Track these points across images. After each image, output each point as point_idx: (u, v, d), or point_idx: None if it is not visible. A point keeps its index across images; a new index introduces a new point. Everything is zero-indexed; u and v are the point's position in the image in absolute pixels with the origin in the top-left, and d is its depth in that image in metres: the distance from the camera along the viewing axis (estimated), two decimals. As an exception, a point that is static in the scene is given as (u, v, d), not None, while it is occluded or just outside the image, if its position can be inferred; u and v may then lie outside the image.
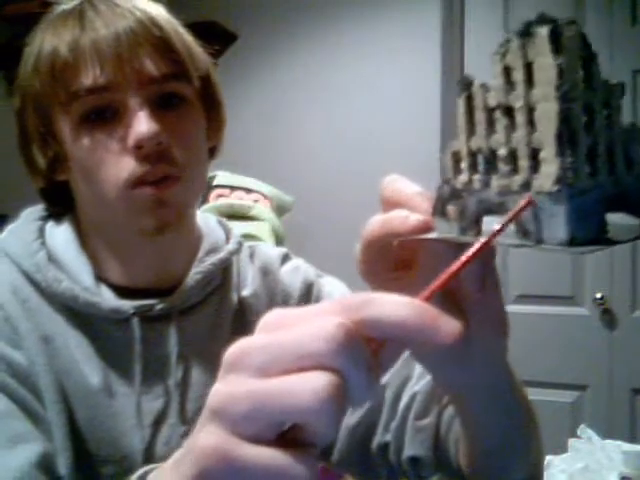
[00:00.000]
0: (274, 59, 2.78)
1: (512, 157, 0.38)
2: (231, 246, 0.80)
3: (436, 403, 0.73)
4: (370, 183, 3.05)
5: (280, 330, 0.33)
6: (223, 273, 0.80)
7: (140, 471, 0.42)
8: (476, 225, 0.40)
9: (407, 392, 0.75)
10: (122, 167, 0.67)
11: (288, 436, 0.32)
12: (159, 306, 0.73)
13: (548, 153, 0.35)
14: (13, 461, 0.59)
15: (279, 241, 2.09)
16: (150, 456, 0.70)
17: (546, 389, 2.44)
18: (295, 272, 0.85)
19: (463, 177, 0.41)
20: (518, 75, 0.37)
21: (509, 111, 0.38)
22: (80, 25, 0.67)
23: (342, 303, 0.33)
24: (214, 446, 0.32)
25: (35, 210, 0.78)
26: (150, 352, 0.72)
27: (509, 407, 0.58)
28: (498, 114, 0.39)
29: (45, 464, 0.62)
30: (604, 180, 0.36)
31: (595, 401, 2.40)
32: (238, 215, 2.01)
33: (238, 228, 0.88)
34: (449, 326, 0.33)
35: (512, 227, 0.37)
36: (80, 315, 0.71)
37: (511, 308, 2.50)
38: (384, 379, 0.76)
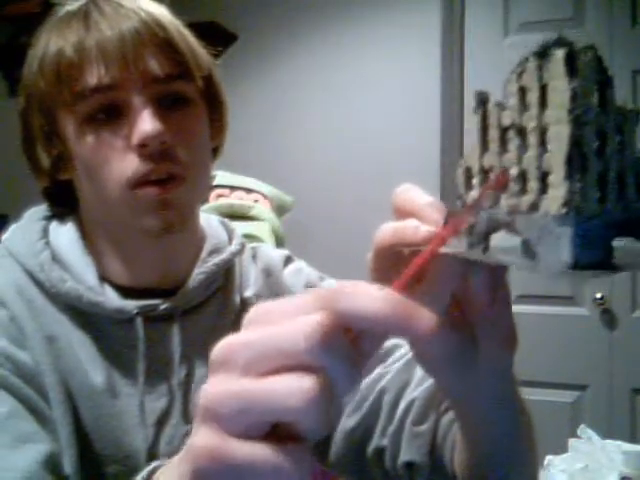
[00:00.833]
0: (274, 59, 2.78)
1: (522, 177, 0.38)
2: (234, 247, 0.80)
3: (434, 409, 0.73)
4: (370, 183, 3.06)
5: (264, 326, 0.33)
6: (226, 274, 0.80)
7: (149, 467, 0.43)
8: (484, 241, 0.40)
9: (405, 398, 0.75)
10: (126, 165, 0.67)
11: (278, 431, 0.33)
12: (163, 306, 0.73)
13: (557, 176, 0.35)
14: (20, 461, 0.59)
15: (279, 241, 2.08)
16: (153, 455, 0.70)
17: (546, 389, 2.44)
18: (298, 274, 0.85)
19: (474, 193, 0.41)
20: (533, 96, 0.37)
21: (522, 131, 0.38)
22: (85, 26, 0.67)
23: (319, 296, 0.34)
24: (205, 445, 0.33)
25: (39, 210, 0.78)
26: (153, 352, 0.72)
27: (511, 419, 0.58)
28: (511, 133, 0.39)
29: (52, 463, 0.62)
30: (613, 206, 0.36)
31: (595, 401, 2.40)
32: (238, 215, 2.01)
33: (238, 228, 0.88)
34: (424, 319, 0.33)
35: (518, 247, 0.37)
36: (84, 315, 0.71)
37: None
38: (382, 383, 0.76)
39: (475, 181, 0.41)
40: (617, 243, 0.37)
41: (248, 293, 0.81)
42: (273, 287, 0.83)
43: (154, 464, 0.43)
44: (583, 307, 2.43)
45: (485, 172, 0.41)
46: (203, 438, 0.33)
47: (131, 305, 0.72)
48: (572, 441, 1.09)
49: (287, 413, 0.31)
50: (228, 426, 0.32)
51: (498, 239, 0.39)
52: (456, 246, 0.42)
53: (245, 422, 0.32)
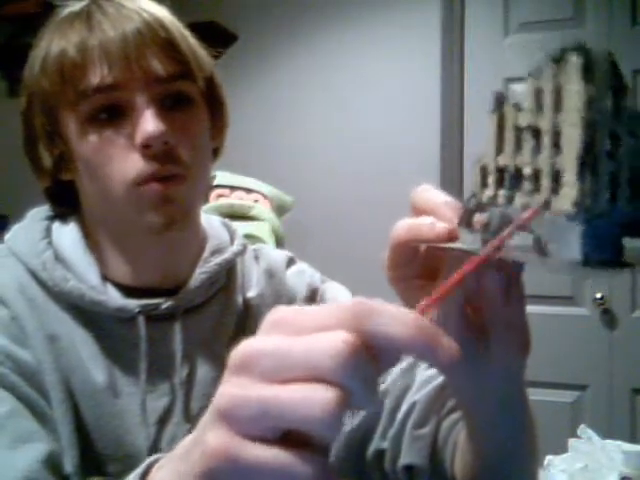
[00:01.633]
0: (274, 59, 2.78)
1: (535, 177, 0.39)
2: (236, 247, 0.80)
3: (435, 413, 0.73)
4: (370, 183, 3.06)
5: (288, 334, 0.33)
6: (227, 274, 0.80)
7: (146, 462, 0.43)
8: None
9: (407, 401, 0.75)
10: (129, 165, 0.67)
11: (291, 436, 0.33)
12: (164, 305, 0.73)
13: (569, 177, 0.36)
14: (21, 460, 0.59)
15: (279, 241, 2.08)
16: (155, 454, 0.71)
17: (546, 389, 2.44)
18: (300, 276, 0.86)
19: (489, 192, 0.43)
20: (548, 99, 0.38)
21: (537, 133, 0.39)
22: (88, 26, 0.68)
23: (345, 311, 0.33)
24: (221, 447, 0.33)
25: (41, 210, 0.78)
26: (155, 351, 0.72)
27: (518, 424, 0.58)
28: (527, 134, 0.40)
29: (52, 463, 0.62)
30: (624, 205, 0.37)
31: (595, 401, 2.40)
32: (238, 215, 2.01)
33: (238, 228, 0.88)
34: (448, 350, 0.33)
35: (531, 245, 0.38)
36: (86, 314, 0.71)
37: (511, 308, 2.50)
38: (383, 386, 0.77)
39: (490, 180, 0.43)
40: (629, 241, 0.37)
41: (251, 294, 0.82)
42: (276, 288, 0.83)
43: (151, 459, 0.43)
44: (583, 307, 2.43)
45: (500, 171, 0.42)
46: (217, 438, 0.33)
47: (133, 304, 0.72)
48: (572, 441, 1.09)
49: (304, 422, 0.32)
50: (243, 429, 0.32)
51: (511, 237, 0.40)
52: (471, 242, 0.42)
53: (261, 427, 0.32)
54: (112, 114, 0.68)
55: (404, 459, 0.73)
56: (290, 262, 0.87)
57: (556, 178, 0.37)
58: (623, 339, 2.38)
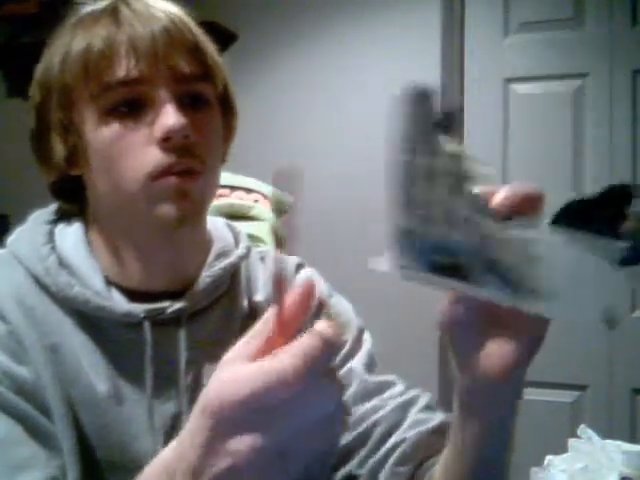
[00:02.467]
0: (274, 59, 2.78)
1: None
2: (240, 251, 0.80)
3: (419, 456, 0.74)
4: (370, 183, 3.06)
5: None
6: (231, 277, 0.80)
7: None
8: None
9: (396, 435, 0.76)
10: (147, 158, 0.68)
11: None
12: (170, 309, 0.73)
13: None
14: None
15: (279, 241, 2.09)
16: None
17: (546, 389, 2.43)
18: None
19: None
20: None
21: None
22: (115, 22, 0.69)
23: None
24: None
25: (43, 213, 0.78)
26: (160, 356, 0.72)
27: (508, 445, 0.62)
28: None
29: None
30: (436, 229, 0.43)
31: (595, 401, 2.40)
32: (238, 215, 2.01)
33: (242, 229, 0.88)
34: None
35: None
36: (90, 319, 0.71)
37: (511, 308, 2.50)
38: (377, 416, 0.78)
39: None
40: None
41: (258, 297, 0.81)
42: None
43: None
44: (583, 307, 2.43)
45: None
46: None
47: (139, 309, 0.71)
48: (572, 441, 1.09)
49: None
50: None
51: None
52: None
53: None
54: (132, 107, 0.68)
55: None
56: (299, 267, 0.87)
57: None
58: (623, 339, 2.38)
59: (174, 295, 0.74)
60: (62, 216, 0.78)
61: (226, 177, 2.19)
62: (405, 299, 2.58)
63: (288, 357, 0.40)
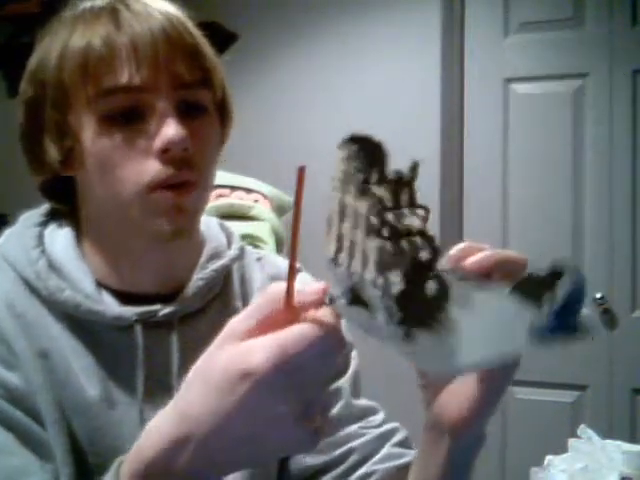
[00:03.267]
0: (274, 59, 2.78)
1: None
2: (233, 252, 0.80)
3: None
4: (370, 183, 2.95)
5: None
6: (224, 279, 0.79)
7: (115, 462, 0.47)
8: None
9: (367, 466, 0.78)
10: (145, 169, 0.67)
11: None
12: (162, 312, 0.72)
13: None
14: None
15: (279, 241, 2.08)
16: None
17: (546, 389, 2.44)
18: None
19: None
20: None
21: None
22: (115, 22, 0.67)
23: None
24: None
25: (33, 215, 0.77)
26: (152, 359, 0.71)
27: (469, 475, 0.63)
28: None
29: None
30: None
31: (595, 401, 2.40)
32: (238, 215, 2.00)
33: (238, 228, 0.87)
34: None
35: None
36: (81, 323, 0.70)
37: (511, 308, 2.49)
38: (354, 443, 0.79)
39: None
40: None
41: (254, 300, 0.81)
42: None
43: (118, 459, 0.48)
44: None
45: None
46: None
47: (130, 312, 0.71)
48: (572, 441, 1.09)
49: None
50: None
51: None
52: None
53: None
54: (132, 115, 0.67)
55: None
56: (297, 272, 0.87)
57: None
58: (623, 339, 2.38)
59: (166, 297, 0.74)
60: (52, 217, 0.77)
61: (226, 177, 2.19)
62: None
63: (304, 325, 0.44)
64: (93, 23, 0.68)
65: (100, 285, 0.73)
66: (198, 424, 0.45)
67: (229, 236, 0.83)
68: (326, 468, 0.78)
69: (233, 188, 2.13)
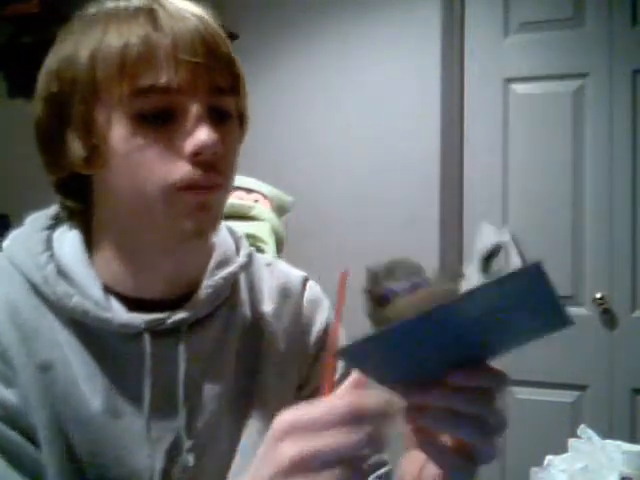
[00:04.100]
0: (274, 59, 2.78)
1: None
2: (242, 259, 0.79)
3: None
4: (370, 183, 3.06)
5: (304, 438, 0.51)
6: (233, 285, 0.79)
7: None
8: None
9: None
10: (174, 170, 0.67)
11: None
12: (170, 319, 0.71)
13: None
14: None
15: (279, 241, 2.08)
16: (155, 472, 0.70)
17: (546, 389, 2.44)
18: (318, 307, 0.85)
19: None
20: None
21: None
22: (153, 23, 0.66)
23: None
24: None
25: (40, 217, 0.76)
26: (158, 367, 0.71)
27: None
28: None
29: None
30: None
31: (595, 401, 2.40)
32: (238, 215, 2.01)
33: (238, 228, 0.87)
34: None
35: None
36: (88, 330, 0.70)
37: (511, 308, 2.50)
38: None
39: None
40: None
41: (265, 308, 0.81)
42: (292, 312, 0.83)
43: None
44: (583, 307, 2.43)
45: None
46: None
47: (138, 320, 0.70)
48: (572, 441, 1.09)
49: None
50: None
51: None
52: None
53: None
54: (165, 115, 0.67)
55: None
56: (305, 283, 0.86)
57: None
58: (623, 339, 2.38)
59: (173, 302, 0.73)
60: (60, 220, 0.77)
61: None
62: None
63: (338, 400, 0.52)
64: (130, 22, 0.67)
65: (108, 291, 0.72)
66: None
67: (237, 241, 0.83)
68: None
69: (233, 188, 2.14)
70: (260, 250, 1.95)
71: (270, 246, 2.02)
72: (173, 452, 0.71)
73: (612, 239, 2.40)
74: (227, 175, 0.71)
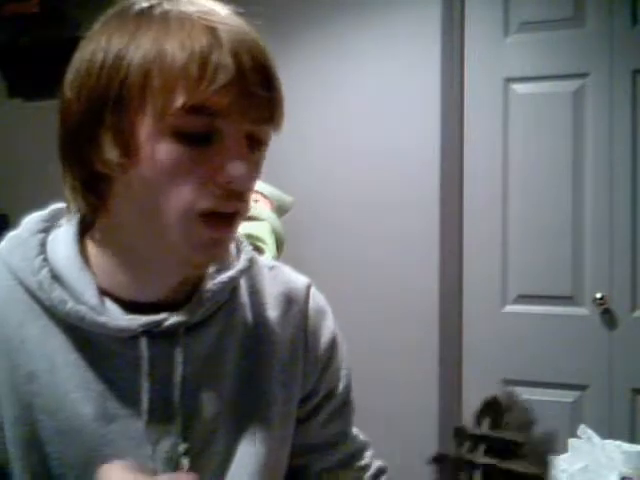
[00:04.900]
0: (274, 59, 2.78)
1: None
2: (241, 264, 0.78)
3: None
4: (369, 183, 3.06)
5: None
6: (233, 288, 0.78)
7: None
8: None
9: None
10: (202, 194, 0.65)
11: None
12: (167, 322, 0.70)
13: None
14: None
15: (279, 241, 2.08)
16: (157, 473, 0.70)
17: (546, 389, 2.44)
18: (323, 319, 0.84)
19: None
20: None
21: None
22: (214, 38, 0.63)
23: None
24: None
25: (35, 220, 0.75)
26: (154, 370, 0.70)
27: None
28: None
29: None
30: None
31: (595, 401, 2.40)
32: (238, 215, 2.00)
33: (241, 234, 0.86)
34: None
35: None
36: (84, 335, 0.69)
37: (511, 308, 2.50)
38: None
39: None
40: None
41: (269, 313, 0.80)
42: (296, 322, 0.82)
43: None
44: (583, 307, 2.43)
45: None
46: None
47: (135, 323, 0.69)
48: (572, 441, 1.09)
49: None
50: None
51: None
52: None
53: None
54: (205, 138, 0.64)
55: None
56: (309, 291, 0.85)
57: None
58: (623, 339, 2.38)
59: (171, 304, 0.72)
60: (55, 221, 0.76)
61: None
62: (407, 299, 2.58)
63: None
64: (189, 32, 0.63)
65: (104, 293, 0.71)
66: None
67: (238, 244, 0.81)
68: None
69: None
70: (260, 250, 1.95)
71: (270, 246, 2.02)
72: (168, 455, 0.70)
73: (612, 239, 2.40)
74: (248, 202, 0.69)
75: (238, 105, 0.64)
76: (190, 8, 0.66)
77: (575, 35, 2.45)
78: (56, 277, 0.70)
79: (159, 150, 0.64)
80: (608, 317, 2.40)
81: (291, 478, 0.82)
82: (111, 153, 0.65)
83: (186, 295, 0.73)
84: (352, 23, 2.68)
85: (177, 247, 0.67)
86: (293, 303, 0.82)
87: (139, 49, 0.63)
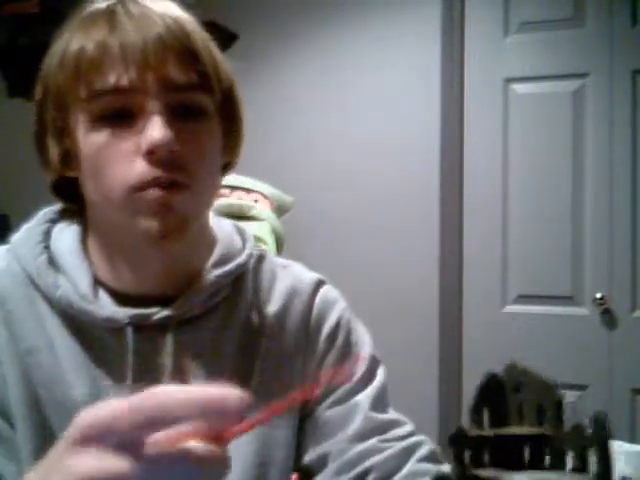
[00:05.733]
0: (274, 59, 2.78)
1: None
2: (241, 258, 0.78)
3: None
4: (370, 183, 3.06)
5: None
6: (236, 285, 0.78)
7: None
8: None
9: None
10: (132, 169, 0.67)
11: None
12: (156, 316, 0.71)
13: None
14: None
15: (279, 241, 2.09)
16: None
17: (546, 389, 2.44)
18: (331, 305, 0.83)
19: None
20: None
21: None
22: (110, 25, 0.67)
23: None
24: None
25: (48, 211, 0.78)
26: (143, 363, 0.71)
27: None
28: None
29: None
30: None
31: (595, 401, 2.40)
32: (238, 215, 2.01)
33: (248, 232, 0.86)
34: (232, 394, 0.40)
35: None
36: (77, 322, 0.71)
37: (511, 308, 2.50)
38: (373, 460, 0.76)
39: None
40: None
41: (270, 308, 0.79)
42: (298, 310, 0.81)
43: None
44: (583, 307, 2.43)
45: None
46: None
47: (122, 314, 0.70)
48: (572, 441, 1.09)
49: None
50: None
51: None
52: None
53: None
54: (122, 117, 0.67)
55: None
56: (320, 284, 0.84)
57: None
58: (623, 339, 2.38)
59: (170, 299, 0.73)
60: (65, 215, 0.78)
61: (226, 177, 2.18)
62: (407, 299, 2.58)
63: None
64: (90, 27, 0.68)
65: (100, 284, 0.73)
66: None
67: (244, 240, 0.81)
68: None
69: (233, 188, 2.14)
70: (260, 250, 1.94)
71: (270, 246, 2.02)
72: None
73: (612, 239, 2.40)
74: (195, 173, 0.69)
75: (136, 79, 0.66)
76: (133, 5, 0.70)
77: (575, 35, 2.45)
78: (52, 263, 0.73)
79: (85, 139, 0.68)
80: (608, 317, 2.40)
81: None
82: (55, 155, 0.71)
83: (183, 290, 0.74)
84: (352, 23, 2.68)
85: (128, 222, 0.69)
86: (297, 296, 0.81)
87: (56, 54, 0.70)
